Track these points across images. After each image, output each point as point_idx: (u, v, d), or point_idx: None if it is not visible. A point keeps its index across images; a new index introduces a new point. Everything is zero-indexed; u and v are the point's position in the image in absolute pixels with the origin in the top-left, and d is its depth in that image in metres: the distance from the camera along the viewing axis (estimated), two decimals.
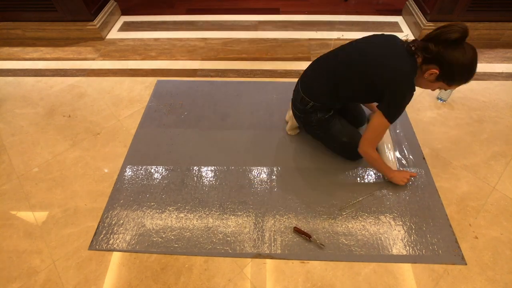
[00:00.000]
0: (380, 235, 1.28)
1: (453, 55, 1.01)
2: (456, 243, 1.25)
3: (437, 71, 1.05)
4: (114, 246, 1.26)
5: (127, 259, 1.23)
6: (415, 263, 1.20)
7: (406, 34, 2.45)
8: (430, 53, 1.04)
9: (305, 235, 1.26)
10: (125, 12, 2.77)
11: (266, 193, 1.43)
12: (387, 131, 1.33)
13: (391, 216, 1.34)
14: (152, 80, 2.06)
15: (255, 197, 1.42)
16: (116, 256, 1.24)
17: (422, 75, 1.10)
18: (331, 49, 1.35)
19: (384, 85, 1.11)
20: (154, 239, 1.28)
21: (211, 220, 1.34)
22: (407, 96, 1.11)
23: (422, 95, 1.91)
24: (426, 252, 1.23)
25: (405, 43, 1.13)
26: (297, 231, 1.28)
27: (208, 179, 1.49)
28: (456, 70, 1.04)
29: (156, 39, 2.45)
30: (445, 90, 1.18)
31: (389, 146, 1.48)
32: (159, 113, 1.83)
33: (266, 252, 1.24)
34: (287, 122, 1.66)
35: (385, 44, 1.16)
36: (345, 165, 1.53)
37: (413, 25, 2.45)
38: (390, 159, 1.46)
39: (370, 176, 1.48)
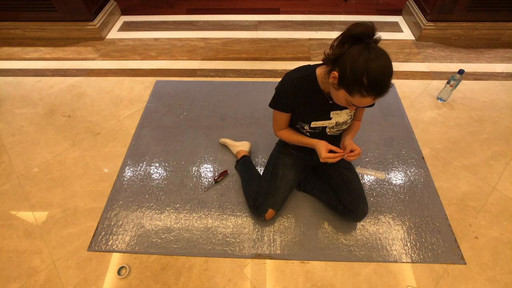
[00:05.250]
0: (379, 235, 1.28)
1: (350, 53, 0.81)
2: (456, 242, 1.25)
3: (337, 74, 0.86)
4: (113, 247, 1.26)
5: (127, 259, 1.23)
6: (415, 263, 1.20)
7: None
8: (332, 53, 0.88)
9: (222, 175, 1.36)
10: (125, 12, 2.77)
11: None
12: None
13: (390, 216, 1.34)
14: (152, 80, 2.06)
15: None
16: (116, 256, 1.24)
17: (328, 80, 0.92)
18: None
19: None
20: (153, 240, 1.28)
21: (210, 220, 1.34)
22: (279, 88, 1.06)
23: (422, 95, 1.91)
24: (426, 252, 1.23)
25: None
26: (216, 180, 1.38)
27: (207, 179, 1.49)
28: (350, 72, 0.81)
29: (156, 39, 2.45)
30: (350, 104, 0.92)
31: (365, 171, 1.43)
32: (158, 113, 1.83)
33: (265, 252, 1.24)
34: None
35: None
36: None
37: (413, 25, 2.45)
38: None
39: (369, 176, 1.49)
